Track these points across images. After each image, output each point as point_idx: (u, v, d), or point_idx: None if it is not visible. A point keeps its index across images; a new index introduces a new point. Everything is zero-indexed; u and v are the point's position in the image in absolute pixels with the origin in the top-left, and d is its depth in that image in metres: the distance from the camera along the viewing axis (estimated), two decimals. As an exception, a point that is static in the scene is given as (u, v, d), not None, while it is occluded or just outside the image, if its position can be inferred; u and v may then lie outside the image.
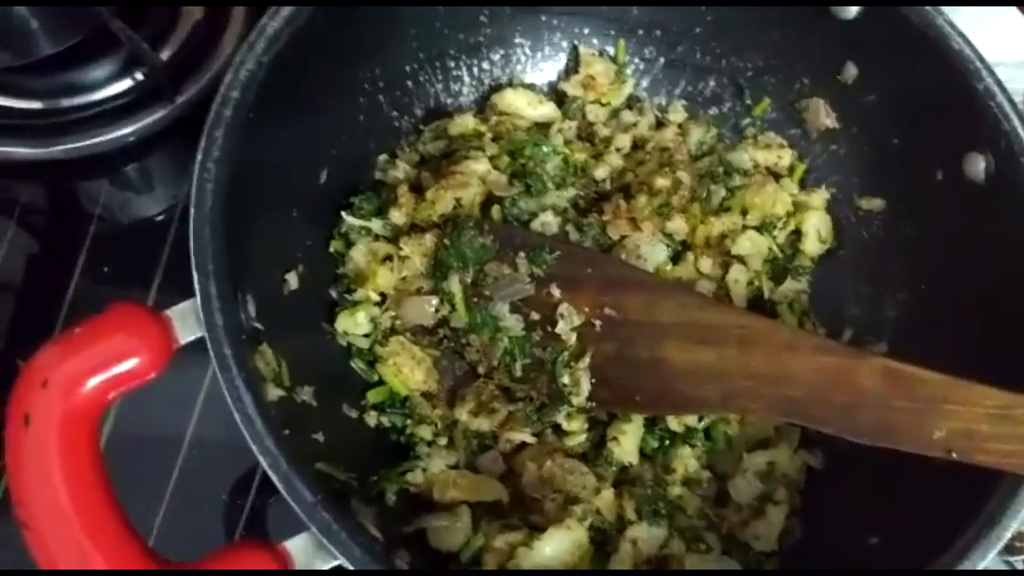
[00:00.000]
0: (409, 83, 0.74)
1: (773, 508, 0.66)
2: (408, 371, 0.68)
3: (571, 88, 0.78)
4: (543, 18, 0.77)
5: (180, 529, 0.68)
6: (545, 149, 0.73)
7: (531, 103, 0.77)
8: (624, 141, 0.77)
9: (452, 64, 0.76)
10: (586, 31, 0.78)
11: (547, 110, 0.77)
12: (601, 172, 0.75)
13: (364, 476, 0.62)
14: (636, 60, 0.79)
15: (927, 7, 0.65)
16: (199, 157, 0.53)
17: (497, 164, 0.72)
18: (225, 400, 0.62)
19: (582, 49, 0.78)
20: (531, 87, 0.79)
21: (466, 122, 0.74)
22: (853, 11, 0.68)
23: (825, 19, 0.69)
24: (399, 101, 0.74)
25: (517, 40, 0.77)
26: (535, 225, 0.71)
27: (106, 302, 0.76)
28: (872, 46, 0.70)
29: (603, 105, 0.78)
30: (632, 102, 0.80)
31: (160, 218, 0.80)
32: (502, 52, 0.77)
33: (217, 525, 0.70)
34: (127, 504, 0.50)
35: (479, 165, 0.71)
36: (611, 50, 0.79)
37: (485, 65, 0.77)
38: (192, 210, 0.52)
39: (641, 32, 0.78)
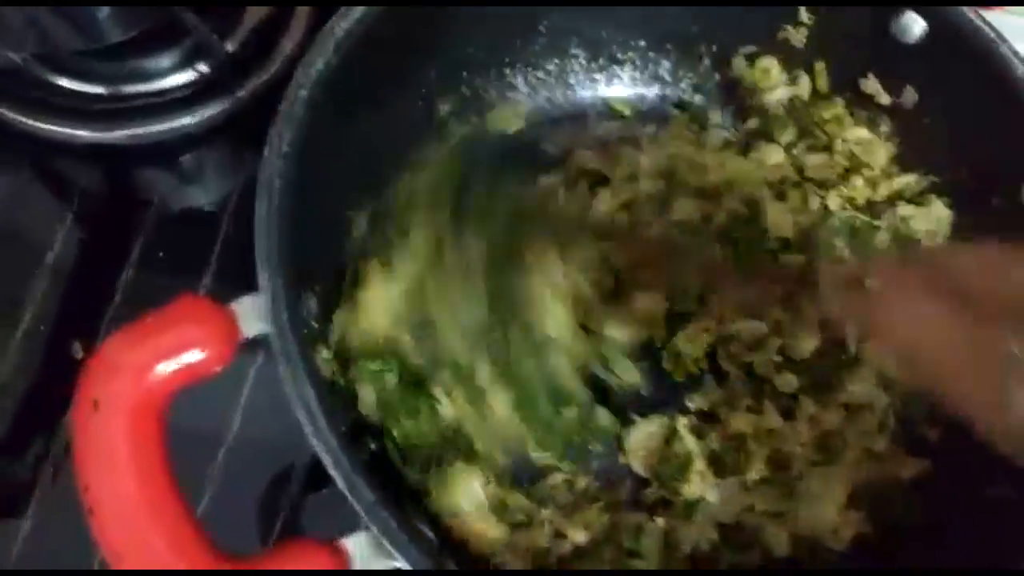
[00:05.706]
0: (464, 88, 0.75)
1: None
2: None
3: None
4: (603, 34, 0.77)
5: (221, 521, 0.67)
6: None
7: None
8: None
9: (508, 71, 0.77)
10: (642, 43, 0.78)
11: None
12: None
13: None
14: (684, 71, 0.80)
15: (992, 35, 0.66)
16: (266, 152, 0.54)
17: None
18: (267, 398, 0.61)
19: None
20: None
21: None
22: (916, 35, 0.69)
23: (887, 42, 0.70)
24: (454, 104, 0.74)
25: (573, 51, 0.78)
26: None
27: (160, 289, 0.77)
28: (933, 71, 0.70)
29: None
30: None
31: (214, 208, 0.80)
32: (557, 62, 0.78)
33: (258, 520, 0.69)
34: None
35: None
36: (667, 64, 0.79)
37: (540, 74, 0.78)
38: (258, 204, 0.52)
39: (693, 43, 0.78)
